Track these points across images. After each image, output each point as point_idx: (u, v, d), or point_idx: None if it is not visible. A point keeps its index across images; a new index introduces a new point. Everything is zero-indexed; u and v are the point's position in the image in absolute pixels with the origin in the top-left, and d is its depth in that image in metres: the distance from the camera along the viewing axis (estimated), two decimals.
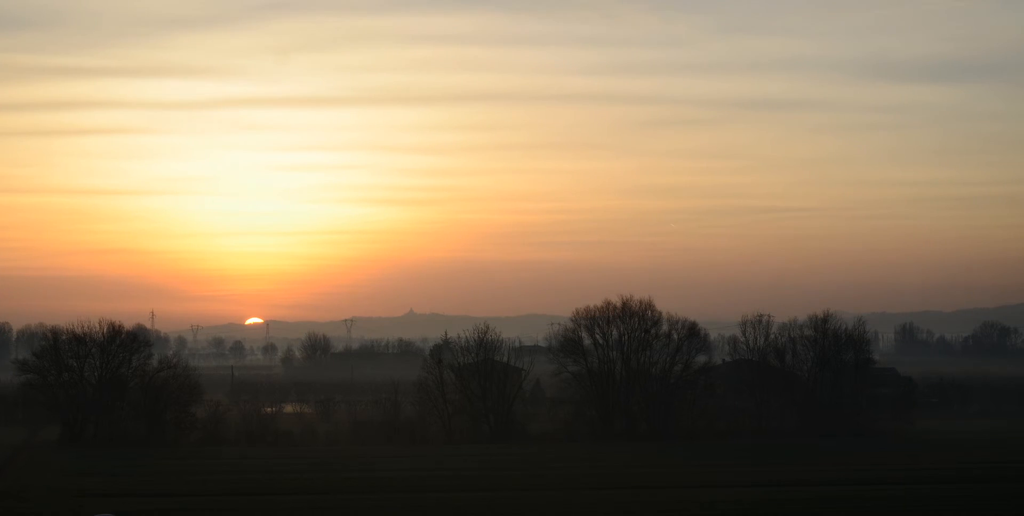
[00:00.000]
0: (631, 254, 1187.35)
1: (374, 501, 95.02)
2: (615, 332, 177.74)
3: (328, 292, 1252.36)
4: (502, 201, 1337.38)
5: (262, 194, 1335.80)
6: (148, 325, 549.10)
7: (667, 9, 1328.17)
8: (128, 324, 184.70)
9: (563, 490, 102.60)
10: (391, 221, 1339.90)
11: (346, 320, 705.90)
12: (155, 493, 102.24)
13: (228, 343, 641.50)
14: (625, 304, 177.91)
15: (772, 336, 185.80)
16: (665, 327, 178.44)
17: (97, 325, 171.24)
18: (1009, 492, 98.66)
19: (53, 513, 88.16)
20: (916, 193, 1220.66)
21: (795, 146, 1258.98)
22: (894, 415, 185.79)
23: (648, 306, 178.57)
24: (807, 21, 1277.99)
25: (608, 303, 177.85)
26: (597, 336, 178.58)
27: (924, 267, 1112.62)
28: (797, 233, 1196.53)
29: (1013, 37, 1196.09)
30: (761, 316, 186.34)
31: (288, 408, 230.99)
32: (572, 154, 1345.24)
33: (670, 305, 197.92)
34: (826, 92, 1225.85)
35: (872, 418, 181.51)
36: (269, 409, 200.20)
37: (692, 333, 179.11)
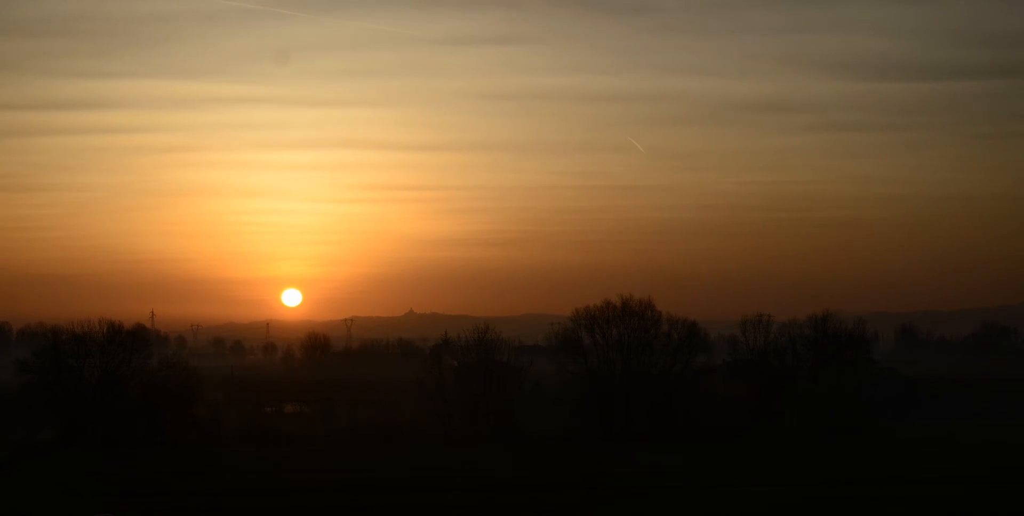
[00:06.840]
0: (631, 254, 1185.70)
1: (373, 501, 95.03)
2: (615, 332, 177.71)
3: (328, 292, 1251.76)
4: (503, 201, 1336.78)
5: (261, 194, 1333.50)
6: (148, 325, 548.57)
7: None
8: (128, 324, 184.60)
9: (562, 490, 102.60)
10: (391, 221, 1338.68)
11: (346, 320, 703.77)
12: (155, 493, 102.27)
13: (228, 343, 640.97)
14: (625, 304, 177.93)
15: (772, 336, 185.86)
16: (665, 327, 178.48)
17: (97, 325, 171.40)
18: (1009, 492, 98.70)
19: (53, 513, 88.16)
20: (917, 193, 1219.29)
21: (795, 146, 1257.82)
22: (894, 415, 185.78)
23: (648, 306, 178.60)
24: (798, 21, 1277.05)
25: (608, 303, 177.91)
26: (597, 336, 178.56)
27: (924, 267, 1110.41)
28: (797, 233, 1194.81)
29: (1013, 36, 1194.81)
30: (761, 316, 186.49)
31: (288, 408, 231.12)
32: (571, 154, 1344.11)
33: (670, 305, 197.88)
34: (826, 91, 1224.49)
35: (872, 418, 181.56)
36: (269, 409, 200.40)
37: (692, 333, 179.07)
